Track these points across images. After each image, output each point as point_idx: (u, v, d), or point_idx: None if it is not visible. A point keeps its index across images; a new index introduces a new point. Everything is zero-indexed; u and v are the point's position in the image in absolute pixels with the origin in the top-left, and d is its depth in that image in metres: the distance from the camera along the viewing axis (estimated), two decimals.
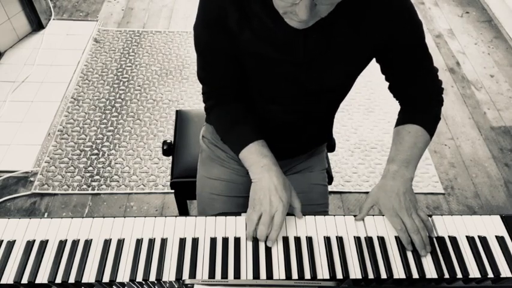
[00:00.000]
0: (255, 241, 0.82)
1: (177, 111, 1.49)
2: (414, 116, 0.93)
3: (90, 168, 1.93)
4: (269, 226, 0.80)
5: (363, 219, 0.87)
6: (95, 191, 1.85)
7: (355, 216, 0.87)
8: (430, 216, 0.88)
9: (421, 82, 0.91)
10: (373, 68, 0.95)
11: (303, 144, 1.06)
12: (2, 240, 0.81)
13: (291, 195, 0.86)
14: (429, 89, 0.93)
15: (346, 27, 0.80)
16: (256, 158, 0.87)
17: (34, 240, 0.81)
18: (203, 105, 0.98)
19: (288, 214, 0.86)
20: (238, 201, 1.09)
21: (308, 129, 1.01)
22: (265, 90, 0.91)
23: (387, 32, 0.82)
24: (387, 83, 0.95)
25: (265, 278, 0.77)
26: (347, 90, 0.97)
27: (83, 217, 0.85)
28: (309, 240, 0.82)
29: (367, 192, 1.90)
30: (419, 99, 0.93)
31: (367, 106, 2.30)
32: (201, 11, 0.82)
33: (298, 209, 0.86)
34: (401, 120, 0.95)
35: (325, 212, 1.11)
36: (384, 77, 0.94)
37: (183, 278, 0.76)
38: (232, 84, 0.92)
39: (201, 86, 0.96)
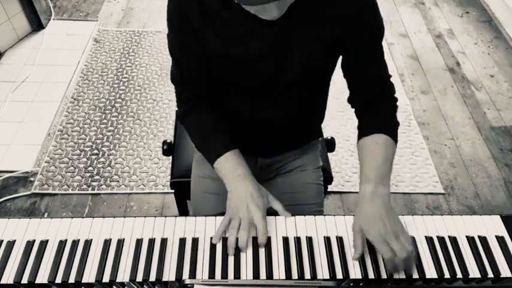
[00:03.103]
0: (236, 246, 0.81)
1: (176, 111, 1.48)
2: (375, 124, 0.91)
3: (90, 168, 1.93)
4: (249, 231, 0.81)
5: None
6: (95, 191, 1.85)
7: (353, 215, 0.86)
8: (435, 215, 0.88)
9: (375, 83, 0.91)
10: None
11: (288, 141, 1.05)
12: (2, 240, 0.81)
13: (268, 200, 0.88)
14: (382, 92, 0.93)
15: (309, 17, 0.80)
16: (232, 167, 0.89)
17: (34, 240, 0.81)
18: None
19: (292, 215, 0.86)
20: None
21: (290, 126, 1.00)
22: (237, 87, 0.92)
23: (346, 26, 0.82)
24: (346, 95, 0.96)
25: (265, 278, 0.77)
26: (317, 86, 0.96)
27: (83, 217, 0.85)
28: (309, 240, 0.82)
29: None
30: (374, 102, 0.92)
31: None
32: (167, 14, 0.86)
33: (281, 209, 0.87)
34: (364, 131, 0.91)
35: (319, 212, 1.09)
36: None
37: (183, 278, 0.76)
38: (203, 84, 0.93)
39: None
